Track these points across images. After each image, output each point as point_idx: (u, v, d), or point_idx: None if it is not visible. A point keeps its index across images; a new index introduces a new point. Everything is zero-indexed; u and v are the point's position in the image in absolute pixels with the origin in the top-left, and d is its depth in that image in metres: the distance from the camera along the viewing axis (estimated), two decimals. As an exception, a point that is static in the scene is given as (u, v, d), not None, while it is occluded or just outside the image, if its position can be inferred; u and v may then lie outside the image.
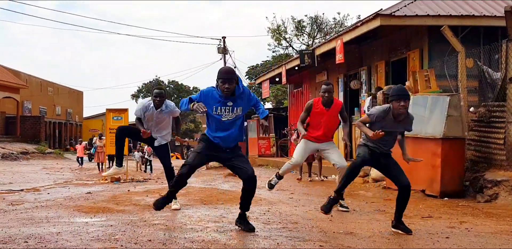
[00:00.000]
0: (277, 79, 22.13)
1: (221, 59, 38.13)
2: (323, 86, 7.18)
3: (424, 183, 8.73)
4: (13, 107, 35.26)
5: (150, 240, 4.82)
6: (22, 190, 10.36)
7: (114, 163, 7.41)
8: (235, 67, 46.10)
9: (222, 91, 5.21)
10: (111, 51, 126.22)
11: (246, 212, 5.53)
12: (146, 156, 20.79)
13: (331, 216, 6.43)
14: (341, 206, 7.08)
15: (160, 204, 5.56)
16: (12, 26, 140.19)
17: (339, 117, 7.29)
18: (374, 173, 10.57)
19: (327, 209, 5.59)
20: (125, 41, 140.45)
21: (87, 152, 22.16)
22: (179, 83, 61.01)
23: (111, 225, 5.69)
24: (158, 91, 7.24)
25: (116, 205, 7.65)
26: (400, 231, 5.34)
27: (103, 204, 7.61)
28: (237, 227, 5.53)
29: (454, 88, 10.09)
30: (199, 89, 60.77)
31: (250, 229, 5.35)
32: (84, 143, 19.61)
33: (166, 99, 7.35)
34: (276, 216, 6.53)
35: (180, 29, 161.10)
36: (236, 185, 10.98)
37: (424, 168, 8.71)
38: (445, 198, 8.33)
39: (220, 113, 5.26)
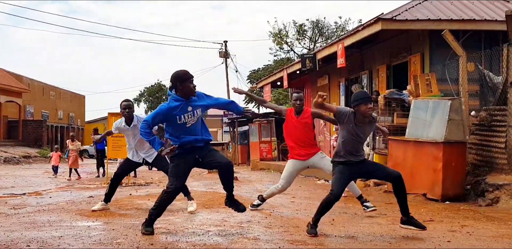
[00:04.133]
0: (278, 83, 22.16)
1: (222, 63, 38.20)
2: (294, 94, 7.26)
3: (425, 187, 8.73)
4: (15, 112, 35.32)
5: (152, 244, 4.83)
6: (24, 194, 10.37)
7: (103, 199, 7.61)
8: (236, 71, 46.21)
9: (191, 91, 5.36)
10: (114, 56, 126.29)
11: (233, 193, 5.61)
12: None
13: (333, 220, 6.44)
14: (367, 207, 7.09)
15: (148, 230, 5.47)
16: (16, 31, 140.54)
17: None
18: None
19: (313, 231, 5.37)
20: (128, 46, 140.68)
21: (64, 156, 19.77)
22: (181, 87, 60.93)
23: (113, 229, 5.71)
24: (125, 103, 7.51)
25: (118, 209, 7.67)
26: (412, 227, 5.32)
27: (105, 208, 7.62)
28: (239, 231, 5.55)
29: (455, 92, 10.11)
30: (201, 94, 60.81)
31: (241, 209, 5.44)
32: (59, 152, 18.40)
33: (136, 114, 7.58)
34: (278, 220, 6.54)
35: (183, 35, 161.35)
36: (238, 189, 10.98)
37: (426, 171, 8.72)
38: (447, 202, 8.33)
39: (184, 121, 5.39)
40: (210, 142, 5.62)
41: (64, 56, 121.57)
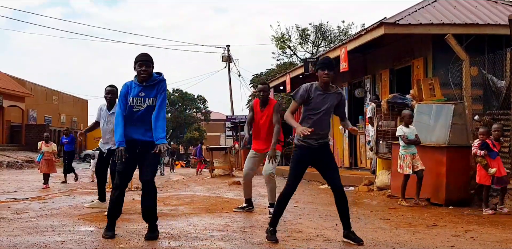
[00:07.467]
0: (281, 87, 22.15)
1: (225, 67, 38.28)
2: (259, 86, 7.27)
3: (429, 191, 8.70)
4: (18, 116, 35.40)
5: (155, 249, 4.82)
6: (27, 198, 10.36)
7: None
8: (239, 75, 46.33)
9: (138, 75, 5.21)
10: (116, 59, 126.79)
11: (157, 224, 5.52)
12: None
13: (336, 224, 6.41)
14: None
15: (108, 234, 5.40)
16: (18, 35, 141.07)
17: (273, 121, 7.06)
18: (379, 181, 10.55)
19: (274, 238, 5.23)
20: (130, 50, 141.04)
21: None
22: (184, 91, 61.11)
23: (116, 234, 5.69)
24: (109, 88, 7.35)
25: (121, 213, 7.64)
26: (350, 241, 5.15)
27: (107, 213, 7.59)
28: (242, 236, 5.53)
29: (459, 97, 10.09)
30: (203, 98, 60.23)
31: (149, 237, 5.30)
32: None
33: None
34: (281, 224, 6.50)
35: (185, 38, 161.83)
36: (240, 194, 10.96)
37: (429, 176, 8.69)
38: (450, 207, 8.30)
39: (132, 104, 5.25)
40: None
41: (66, 61, 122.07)
